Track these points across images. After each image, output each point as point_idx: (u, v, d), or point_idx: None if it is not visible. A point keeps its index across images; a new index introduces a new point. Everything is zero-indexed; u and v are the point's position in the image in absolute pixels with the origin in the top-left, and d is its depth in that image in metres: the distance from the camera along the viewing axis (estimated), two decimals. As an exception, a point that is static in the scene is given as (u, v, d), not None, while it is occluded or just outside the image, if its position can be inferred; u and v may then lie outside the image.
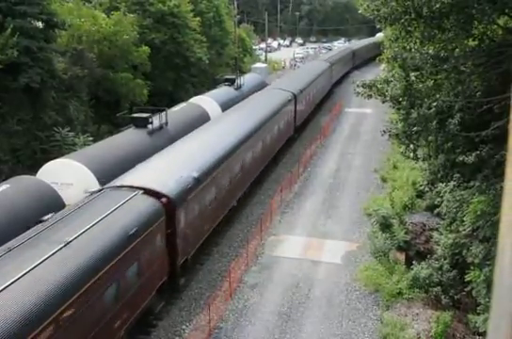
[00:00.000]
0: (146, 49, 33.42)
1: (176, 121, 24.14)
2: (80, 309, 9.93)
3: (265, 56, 71.08)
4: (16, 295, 8.93)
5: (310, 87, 36.45)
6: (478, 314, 13.10)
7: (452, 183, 14.80)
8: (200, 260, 17.68)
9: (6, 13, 23.90)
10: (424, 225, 19.90)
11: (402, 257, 17.71)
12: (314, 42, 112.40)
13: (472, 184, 13.63)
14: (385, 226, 18.62)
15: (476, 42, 13.01)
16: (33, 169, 19.02)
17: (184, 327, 14.35)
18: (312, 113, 38.97)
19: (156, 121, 22.83)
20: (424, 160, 16.10)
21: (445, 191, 15.48)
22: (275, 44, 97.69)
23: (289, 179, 25.36)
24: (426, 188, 18.65)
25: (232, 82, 34.64)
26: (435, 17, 11.77)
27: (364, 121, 39.02)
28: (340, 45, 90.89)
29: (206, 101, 29.24)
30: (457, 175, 14.19)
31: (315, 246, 19.10)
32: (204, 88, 38.45)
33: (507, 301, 0.58)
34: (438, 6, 11.21)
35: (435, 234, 17.55)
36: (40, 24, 25.92)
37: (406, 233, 18.54)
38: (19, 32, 23.21)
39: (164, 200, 13.93)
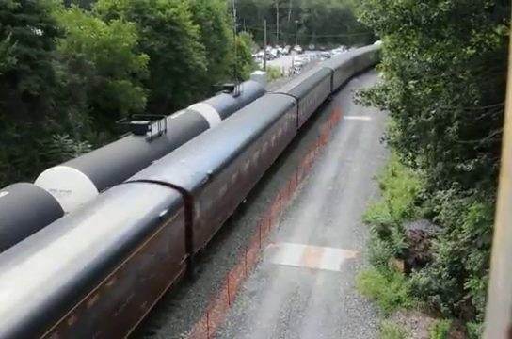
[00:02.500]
0: (145, 56, 33.54)
1: (175, 129, 24.17)
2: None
3: (264, 64, 71.37)
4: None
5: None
6: (477, 321, 13.06)
7: (450, 190, 14.81)
8: (199, 267, 17.61)
9: (5, 21, 24.00)
10: (423, 233, 19.88)
11: (401, 265, 17.67)
12: (313, 50, 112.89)
13: (470, 191, 13.64)
14: (384, 234, 18.60)
15: (474, 51, 13.11)
16: (31, 177, 18.99)
17: (182, 335, 14.25)
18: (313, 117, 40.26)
19: (155, 128, 22.85)
20: (422, 168, 16.14)
21: (444, 199, 15.48)
22: (274, 52, 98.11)
23: (288, 186, 25.36)
24: (425, 196, 18.68)
25: (230, 89, 34.73)
26: (433, 25, 11.86)
27: (363, 128, 39.12)
28: (338, 53, 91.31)
29: (205, 108, 29.29)
30: (456, 183, 14.22)
31: (314, 253, 19.05)
32: (203, 95, 38.53)
33: (500, 318, 0.59)
34: (436, 14, 11.29)
35: (434, 242, 17.54)
36: (39, 32, 26.04)
37: (404, 240, 18.52)
38: (18, 39, 23.30)
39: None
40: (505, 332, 0.57)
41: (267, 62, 74.17)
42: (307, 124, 37.48)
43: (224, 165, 18.94)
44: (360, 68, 65.50)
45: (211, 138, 21.90)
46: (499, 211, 0.62)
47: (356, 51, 77.96)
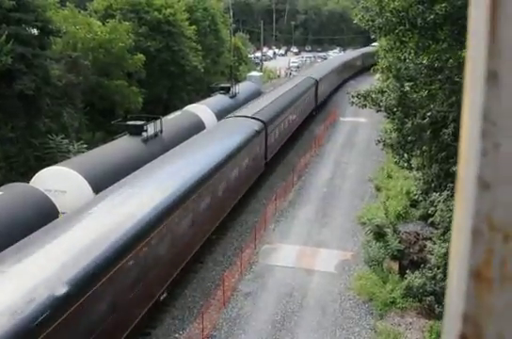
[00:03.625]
0: (141, 57, 33.49)
1: (171, 129, 24.15)
2: None
3: (261, 65, 71.45)
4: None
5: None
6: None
7: (446, 192, 14.87)
8: (194, 268, 17.59)
9: (1, 20, 23.90)
10: (418, 234, 19.93)
11: (396, 266, 17.71)
12: (310, 52, 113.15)
13: (465, 193, 13.68)
14: (379, 235, 18.64)
15: (470, 53, 13.15)
16: (26, 177, 18.92)
17: (177, 335, 14.24)
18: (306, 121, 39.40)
19: (151, 128, 22.82)
20: (418, 170, 16.20)
21: (439, 201, 15.55)
22: (270, 53, 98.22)
23: (283, 188, 25.37)
24: (420, 198, 18.72)
25: (227, 90, 34.73)
26: (429, 28, 11.93)
27: (359, 130, 39.21)
28: (335, 54, 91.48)
29: (201, 109, 29.28)
30: (451, 185, 14.28)
31: (309, 254, 19.07)
32: (199, 96, 38.52)
33: (454, 325, 0.65)
34: (432, 17, 11.35)
35: (428, 244, 17.58)
36: (35, 31, 25.94)
37: (399, 242, 18.55)
38: (14, 39, 23.21)
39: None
40: (458, 338, 0.62)
41: (264, 63, 74.20)
42: (280, 153, 30.03)
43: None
44: (351, 73, 62.34)
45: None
46: (453, 223, 0.67)
47: (344, 56, 72.97)
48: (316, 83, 41.27)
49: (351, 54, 75.02)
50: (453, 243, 0.64)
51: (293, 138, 33.65)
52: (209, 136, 22.89)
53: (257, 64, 71.95)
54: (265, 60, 77.01)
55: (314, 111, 41.81)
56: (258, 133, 24.30)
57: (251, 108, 27.87)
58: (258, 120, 25.32)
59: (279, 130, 28.90)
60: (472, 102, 0.62)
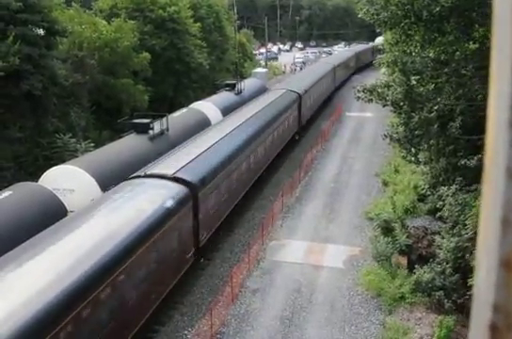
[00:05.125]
0: (146, 55, 33.53)
1: (177, 127, 24.18)
2: None
3: (266, 61, 71.27)
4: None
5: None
6: (482, 318, 13.01)
7: (454, 186, 14.77)
8: (202, 265, 17.64)
9: (8, 21, 24.03)
10: (426, 229, 19.85)
11: (404, 261, 17.65)
12: (314, 47, 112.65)
13: (474, 187, 13.60)
14: (387, 230, 18.58)
15: (477, 45, 13.03)
16: (35, 176, 19.03)
17: (185, 332, 14.30)
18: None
19: (157, 126, 22.86)
20: (425, 164, 16.10)
21: (447, 195, 15.45)
22: (275, 49, 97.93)
23: (290, 183, 25.35)
24: (428, 192, 18.63)
25: (232, 87, 34.70)
26: (435, 20, 11.82)
27: (365, 125, 39.07)
28: (340, 49, 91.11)
29: (207, 106, 29.29)
30: (459, 179, 14.18)
31: (317, 250, 19.05)
32: (205, 93, 38.53)
33: (483, 315, 0.64)
34: (438, 9, 11.25)
35: (437, 238, 17.50)
36: (41, 32, 26.05)
37: (408, 237, 18.49)
38: (20, 39, 23.32)
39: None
40: (488, 328, 0.61)
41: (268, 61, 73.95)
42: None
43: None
44: (343, 77, 55.43)
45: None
46: (481, 213, 0.66)
47: (336, 58, 61.13)
48: (299, 98, 33.63)
49: (345, 54, 65.78)
50: (481, 233, 0.64)
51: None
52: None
53: (272, 59, 72.65)
54: (270, 60, 76.13)
55: (296, 135, 33.89)
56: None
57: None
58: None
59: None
60: (499, 92, 0.61)
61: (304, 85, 36.33)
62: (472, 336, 0.66)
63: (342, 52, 75.74)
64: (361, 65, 67.24)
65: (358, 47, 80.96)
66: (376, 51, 66.55)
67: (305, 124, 36.07)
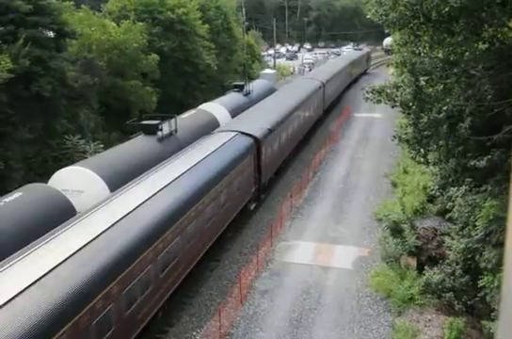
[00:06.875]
0: (155, 57, 33.68)
1: (185, 128, 24.24)
2: None
3: (274, 62, 71.27)
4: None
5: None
6: (492, 319, 12.92)
7: (463, 187, 14.65)
8: (211, 266, 17.66)
9: (18, 23, 24.26)
10: (436, 230, 19.72)
11: (413, 262, 17.54)
12: (323, 48, 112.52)
13: (484, 188, 13.49)
14: (396, 231, 18.47)
15: (486, 45, 12.92)
16: (45, 177, 19.18)
17: (194, 333, 14.32)
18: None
19: (166, 127, 22.95)
20: (434, 165, 15.97)
21: (457, 196, 15.34)
22: (283, 50, 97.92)
23: (299, 184, 25.31)
24: (437, 193, 18.45)
25: (240, 88, 34.76)
26: (444, 21, 11.74)
27: (374, 125, 38.93)
28: (348, 50, 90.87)
29: (215, 107, 29.34)
30: (469, 179, 14.05)
31: (326, 251, 19.01)
32: (213, 94, 38.61)
33: None
34: (447, 9, 11.17)
35: (447, 239, 17.37)
36: (51, 34, 26.27)
37: (417, 238, 18.38)
38: (31, 42, 23.54)
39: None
40: None
41: (277, 60, 73.97)
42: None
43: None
44: (332, 98, 44.60)
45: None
46: (509, 219, 0.63)
47: (324, 71, 47.10)
48: (258, 143, 23.95)
49: (339, 63, 54.12)
50: (509, 238, 0.61)
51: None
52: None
53: (292, 57, 72.96)
54: (278, 58, 76.56)
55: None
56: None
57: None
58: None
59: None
60: None
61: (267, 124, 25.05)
62: (502, 333, 0.62)
63: (333, 62, 60.00)
64: (356, 76, 59.82)
65: (350, 55, 67.32)
66: (370, 58, 65.90)
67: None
